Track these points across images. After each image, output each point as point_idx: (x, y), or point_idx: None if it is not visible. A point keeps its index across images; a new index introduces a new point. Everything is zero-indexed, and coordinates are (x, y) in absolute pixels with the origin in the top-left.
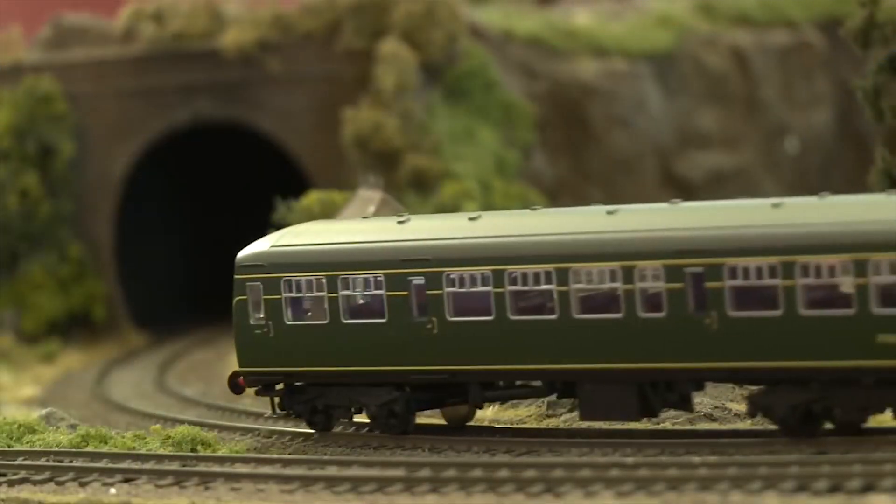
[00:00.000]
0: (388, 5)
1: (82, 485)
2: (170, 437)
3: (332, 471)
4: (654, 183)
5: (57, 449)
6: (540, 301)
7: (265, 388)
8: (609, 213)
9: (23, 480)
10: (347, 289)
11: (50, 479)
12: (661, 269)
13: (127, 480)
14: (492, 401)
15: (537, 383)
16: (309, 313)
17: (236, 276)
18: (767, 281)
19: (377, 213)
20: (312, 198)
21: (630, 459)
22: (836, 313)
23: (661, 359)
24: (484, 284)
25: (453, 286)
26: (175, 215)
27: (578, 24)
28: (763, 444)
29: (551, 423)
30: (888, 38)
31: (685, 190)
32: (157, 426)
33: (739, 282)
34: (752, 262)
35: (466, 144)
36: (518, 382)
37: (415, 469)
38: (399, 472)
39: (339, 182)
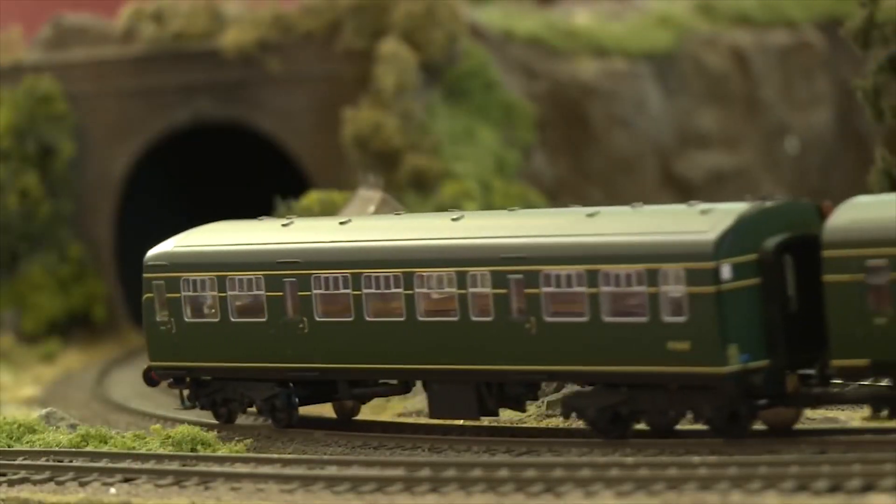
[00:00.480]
0: (388, 5)
1: (82, 484)
2: (170, 436)
3: (332, 471)
4: (654, 183)
5: (57, 449)
6: (391, 304)
7: (176, 381)
8: (454, 220)
9: (23, 480)
10: (234, 289)
11: (50, 479)
12: (488, 275)
13: (127, 480)
14: (360, 398)
15: (395, 382)
16: (204, 311)
17: (144, 275)
18: (576, 288)
19: (377, 213)
20: (312, 198)
21: (630, 459)
22: (632, 321)
23: (491, 361)
24: (345, 287)
25: (320, 288)
26: (175, 215)
27: (578, 24)
28: (763, 444)
29: (551, 423)
30: (888, 38)
31: (685, 190)
32: (157, 426)
33: (553, 289)
34: (563, 270)
35: (466, 144)
36: (380, 381)
37: (415, 469)
38: (399, 472)
39: (339, 182)
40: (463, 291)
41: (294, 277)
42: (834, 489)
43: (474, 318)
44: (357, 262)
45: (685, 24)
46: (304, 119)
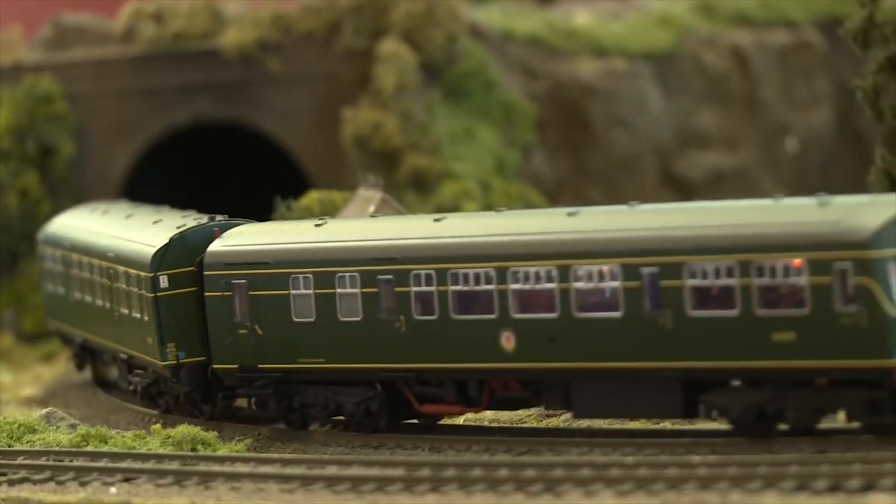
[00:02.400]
0: (388, 5)
1: (82, 484)
2: (170, 436)
3: (332, 470)
4: (654, 183)
5: (57, 448)
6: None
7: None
8: (102, 213)
9: (23, 480)
10: (58, 264)
11: (50, 479)
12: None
13: (127, 480)
14: (106, 362)
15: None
16: (54, 283)
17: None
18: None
19: (377, 213)
20: (312, 198)
21: (630, 459)
22: (135, 316)
23: (114, 342)
24: (77, 269)
25: (78, 269)
26: None
27: (578, 24)
28: (763, 443)
29: (551, 423)
30: (888, 37)
31: (685, 190)
32: (158, 426)
33: (122, 286)
34: (122, 270)
35: (466, 144)
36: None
37: (415, 468)
38: (399, 472)
39: (339, 182)
40: (109, 283)
41: (62, 259)
42: (834, 489)
43: (107, 305)
44: (65, 250)
45: (685, 24)
46: (304, 119)
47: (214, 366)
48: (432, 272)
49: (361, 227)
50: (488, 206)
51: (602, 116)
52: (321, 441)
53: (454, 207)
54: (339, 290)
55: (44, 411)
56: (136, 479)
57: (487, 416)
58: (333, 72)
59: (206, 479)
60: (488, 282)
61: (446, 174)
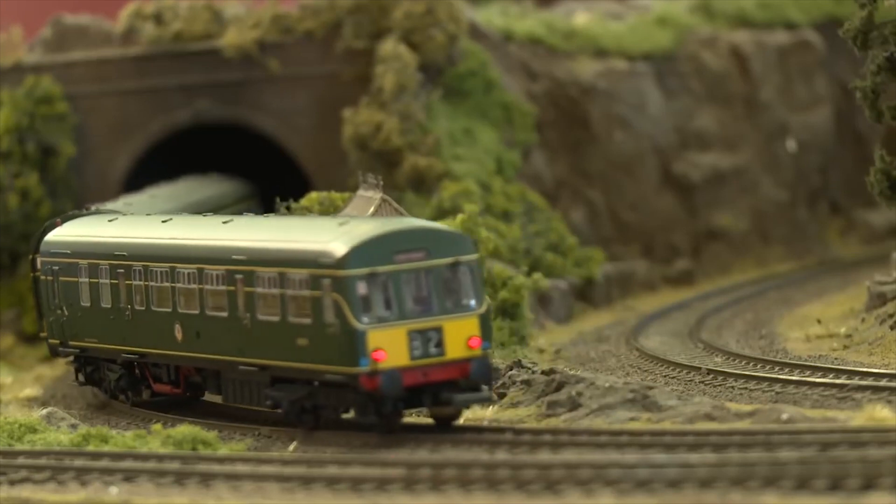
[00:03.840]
0: (388, 5)
1: (83, 484)
2: (170, 436)
3: (332, 470)
4: (654, 183)
5: (58, 448)
6: None
7: None
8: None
9: (24, 480)
10: None
11: (51, 479)
12: None
13: (128, 479)
14: None
15: None
16: None
17: None
18: None
19: (377, 214)
20: (312, 198)
21: (630, 459)
22: None
23: None
24: None
25: None
26: None
27: (578, 24)
28: (763, 443)
29: (551, 422)
30: (887, 38)
31: (685, 190)
32: (158, 425)
33: None
34: None
35: (466, 144)
36: None
37: (415, 468)
38: (399, 472)
39: (339, 182)
40: None
41: None
42: (834, 488)
43: None
44: None
45: (685, 24)
46: (304, 119)
47: (49, 341)
48: (141, 268)
49: (126, 224)
50: (488, 207)
51: (602, 116)
52: (321, 441)
53: (454, 208)
54: (100, 280)
55: (44, 411)
56: (137, 479)
57: (487, 415)
58: (333, 72)
59: (207, 478)
60: (166, 279)
61: (446, 174)
